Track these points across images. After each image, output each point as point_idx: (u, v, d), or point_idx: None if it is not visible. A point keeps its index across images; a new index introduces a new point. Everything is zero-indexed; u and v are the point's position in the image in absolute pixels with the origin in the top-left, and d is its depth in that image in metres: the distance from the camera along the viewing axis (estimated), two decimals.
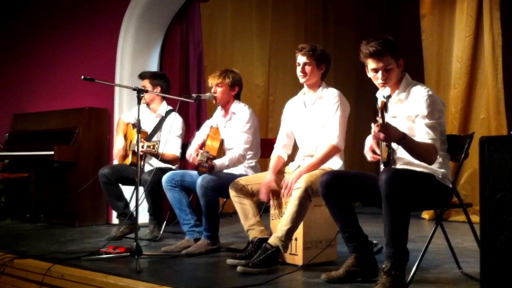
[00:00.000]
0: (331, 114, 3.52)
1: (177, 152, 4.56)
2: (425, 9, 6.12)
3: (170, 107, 4.77)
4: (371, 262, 3.05)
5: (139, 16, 5.65)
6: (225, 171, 4.00)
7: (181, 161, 4.77)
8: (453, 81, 5.79)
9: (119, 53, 5.69)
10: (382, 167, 2.88)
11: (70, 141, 5.45)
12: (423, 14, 6.13)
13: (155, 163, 4.48)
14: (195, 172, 4.06)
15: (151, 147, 3.99)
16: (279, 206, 3.59)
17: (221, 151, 4.10)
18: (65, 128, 5.62)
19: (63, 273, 3.30)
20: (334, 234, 3.46)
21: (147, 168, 4.61)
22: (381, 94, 2.82)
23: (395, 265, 2.70)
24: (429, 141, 2.82)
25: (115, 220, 5.32)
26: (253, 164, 4.11)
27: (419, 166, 2.88)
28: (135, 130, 4.13)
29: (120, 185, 4.65)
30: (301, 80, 3.61)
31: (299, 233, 3.41)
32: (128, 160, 4.59)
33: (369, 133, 2.87)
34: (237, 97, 4.20)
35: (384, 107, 2.63)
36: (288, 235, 3.30)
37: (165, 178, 4.11)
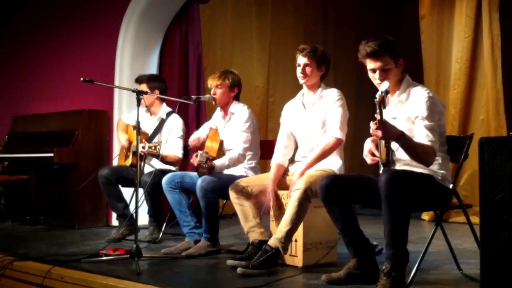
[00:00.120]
0: (332, 108, 3.52)
1: (179, 153, 4.56)
2: (424, 10, 6.12)
3: (170, 109, 4.77)
4: (372, 266, 3.04)
5: (139, 17, 5.65)
6: (225, 172, 4.00)
7: (182, 162, 4.77)
8: (453, 82, 5.80)
9: (118, 54, 5.69)
10: (381, 168, 2.88)
11: (69, 143, 5.45)
12: (422, 15, 6.13)
13: (156, 164, 4.48)
14: (195, 174, 4.06)
15: (153, 148, 3.99)
16: (279, 207, 3.58)
17: (221, 152, 4.09)
18: (64, 130, 5.62)
19: (63, 275, 3.30)
20: (334, 236, 3.46)
21: (148, 169, 4.60)
22: (381, 89, 2.81)
23: (395, 267, 2.69)
24: (428, 143, 2.81)
25: (115, 222, 5.32)
26: (253, 165, 4.11)
27: (418, 167, 2.88)
28: (135, 131, 4.13)
29: (120, 186, 4.65)
30: (301, 81, 3.61)
31: (299, 234, 3.41)
32: (129, 161, 4.59)
33: (369, 134, 2.87)
34: (237, 98, 4.20)
35: (382, 102, 2.62)
36: (288, 237, 3.30)
37: (165, 179, 4.10)
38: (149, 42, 5.80)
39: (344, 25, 8.20)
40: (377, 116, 2.62)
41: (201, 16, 5.98)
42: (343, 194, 2.98)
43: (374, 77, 2.98)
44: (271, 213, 3.62)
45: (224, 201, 4.29)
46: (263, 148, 4.22)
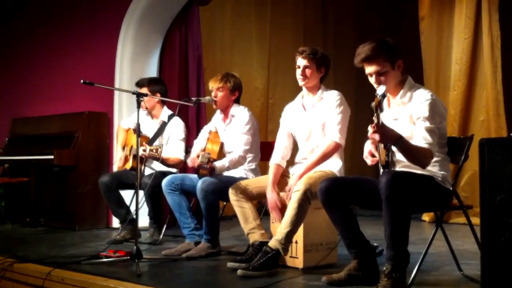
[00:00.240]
0: (332, 112, 3.52)
1: (181, 155, 4.56)
2: (424, 11, 6.12)
3: (171, 112, 4.77)
4: (373, 267, 3.04)
5: (139, 19, 5.66)
6: (225, 174, 4.00)
7: (183, 164, 4.77)
8: (453, 83, 5.79)
9: (118, 56, 5.69)
10: (381, 170, 2.88)
11: (70, 145, 5.45)
12: (422, 16, 6.13)
13: (156, 166, 4.48)
14: (195, 176, 4.05)
15: (154, 150, 4.00)
16: (281, 209, 3.57)
17: (221, 154, 4.09)
18: (64, 132, 5.62)
19: (63, 277, 3.30)
20: (334, 237, 3.46)
21: (148, 171, 4.60)
22: (377, 92, 2.82)
23: (396, 268, 2.70)
24: (425, 145, 2.80)
25: (115, 224, 5.32)
26: (253, 167, 4.11)
27: (418, 168, 2.88)
28: (135, 134, 4.13)
29: (121, 190, 4.64)
30: (301, 83, 3.60)
31: (299, 235, 3.41)
32: (129, 165, 4.59)
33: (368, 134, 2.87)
34: (237, 101, 4.20)
35: (379, 106, 2.63)
36: (288, 238, 3.30)
37: (165, 181, 4.10)
38: (149, 44, 5.80)
39: (344, 25, 8.20)
40: (375, 120, 2.63)
41: (201, 18, 5.98)
42: (343, 197, 2.98)
43: (372, 81, 2.99)
44: (271, 215, 3.62)
45: (224, 203, 4.29)
46: (263, 149, 4.21)
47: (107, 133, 5.69)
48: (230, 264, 3.41)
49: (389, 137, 2.71)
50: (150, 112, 4.78)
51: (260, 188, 3.63)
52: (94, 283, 3.15)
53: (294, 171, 3.64)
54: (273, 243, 3.29)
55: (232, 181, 3.76)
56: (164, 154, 4.27)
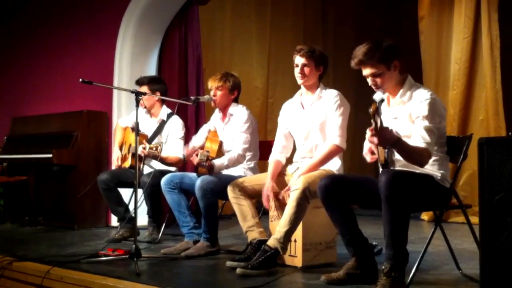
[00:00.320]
0: (332, 114, 3.52)
1: (180, 154, 4.56)
2: (423, 11, 6.12)
3: (170, 110, 4.77)
4: (371, 265, 3.05)
5: (138, 18, 5.65)
6: (224, 172, 4.00)
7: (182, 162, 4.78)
8: (452, 82, 5.80)
9: (117, 55, 5.69)
10: (380, 169, 2.89)
11: (69, 144, 5.45)
12: (421, 16, 6.13)
13: (155, 165, 4.48)
14: (194, 174, 4.06)
15: (154, 148, 4.00)
16: (278, 207, 3.58)
17: (220, 153, 4.10)
18: (64, 131, 5.62)
19: (63, 276, 3.30)
20: (333, 236, 3.46)
21: (147, 170, 4.61)
22: (374, 98, 2.85)
23: (395, 267, 2.70)
24: (423, 145, 2.81)
25: (114, 223, 5.32)
26: (252, 165, 4.11)
27: (418, 167, 2.88)
28: (134, 133, 4.13)
29: (120, 188, 4.64)
30: (299, 81, 3.61)
31: (298, 234, 3.41)
32: (128, 163, 4.59)
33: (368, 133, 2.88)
34: (236, 100, 4.20)
35: (376, 111, 2.66)
36: (287, 237, 3.30)
37: (164, 180, 4.10)
38: (149, 43, 5.80)
39: (344, 25, 8.20)
40: (373, 124, 2.65)
41: (201, 18, 5.98)
42: (342, 194, 2.98)
43: (369, 83, 3.01)
44: (270, 213, 3.62)
45: (223, 202, 4.29)
46: (262, 149, 4.22)
47: (106, 132, 5.69)
48: (229, 263, 3.41)
49: (387, 140, 2.73)
50: (149, 111, 4.78)
51: (259, 186, 3.64)
52: (93, 281, 3.15)
53: (292, 170, 3.64)
54: (272, 242, 3.29)
55: (231, 179, 3.76)
56: (163, 153, 4.27)
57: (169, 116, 4.72)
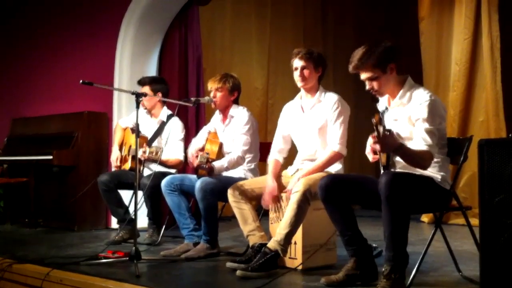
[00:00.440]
0: (332, 120, 3.52)
1: (180, 156, 4.56)
2: (423, 11, 6.12)
3: (170, 111, 4.76)
4: (371, 266, 3.05)
5: (138, 19, 5.65)
6: (224, 174, 3.99)
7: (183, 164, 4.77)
8: (452, 83, 5.79)
9: (118, 56, 5.69)
10: (382, 170, 2.89)
11: (69, 145, 5.45)
12: (421, 16, 6.12)
13: (155, 167, 4.47)
14: (194, 176, 4.05)
15: (154, 153, 3.99)
16: (278, 209, 3.58)
17: (220, 155, 4.09)
18: (64, 132, 5.62)
19: (62, 278, 3.30)
20: (333, 238, 3.45)
21: (147, 172, 4.60)
22: (378, 107, 2.86)
23: (395, 268, 2.70)
24: (424, 147, 2.82)
25: (114, 225, 5.31)
26: (252, 167, 4.11)
27: (418, 169, 2.88)
28: (134, 134, 4.13)
29: (120, 190, 4.64)
30: (299, 84, 3.60)
31: (298, 236, 3.40)
32: (128, 165, 4.59)
33: (369, 134, 2.88)
34: (236, 101, 4.20)
35: (379, 121, 2.68)
36: (287, 239, 3.29)
37: (164, 182, 4.10)
38: (149, 44, 5.80)
39: (344, 25, 8.19)
40: (375, 132, 2.67)
41: (201, 18, 5.98)
42: (343, 194, 2.99)
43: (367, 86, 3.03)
44: (270, 215, 3.61)
45: (223, 203, 4.28)
46: (262, 150, 4.21)
47: (106, 133, 5.69)
48: (229, 264, 3.41)
49: (390, 147, 2.75)
50: (149, 111, 4.78)
51: (259, 189, 3.63)
52: (93, 284, 3.15)
53: (292, 172, 3.64)
54: (272, 244, 3.29)
55: (231, 181, 3.76)
56: (163, 156, 4.27)
57: (169, 117, 4.71)
